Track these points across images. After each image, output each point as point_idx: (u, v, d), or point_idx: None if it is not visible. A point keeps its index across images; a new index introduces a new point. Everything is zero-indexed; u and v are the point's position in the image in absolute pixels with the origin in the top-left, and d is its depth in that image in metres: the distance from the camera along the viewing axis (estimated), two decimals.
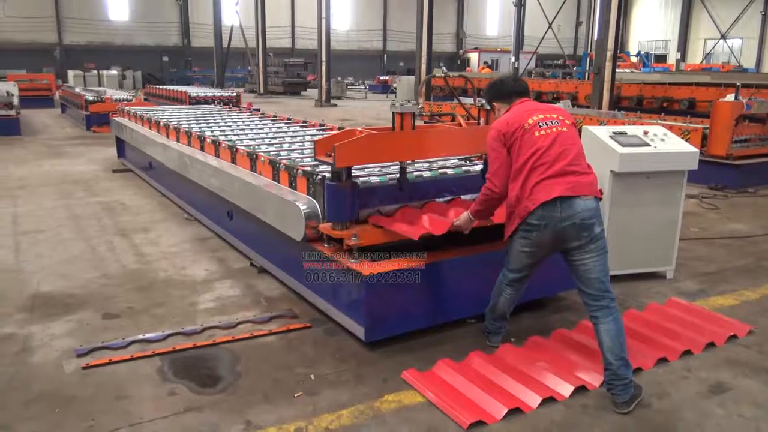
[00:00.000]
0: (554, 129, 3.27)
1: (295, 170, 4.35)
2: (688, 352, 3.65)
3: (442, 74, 4.94)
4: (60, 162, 10.51)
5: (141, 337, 3.81)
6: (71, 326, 4.00)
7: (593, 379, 3.30)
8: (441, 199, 4.21)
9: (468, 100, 5.19)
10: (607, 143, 4.62)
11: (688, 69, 30.77)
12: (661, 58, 41.38)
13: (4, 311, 4.23)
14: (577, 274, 3.26)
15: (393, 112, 3.97)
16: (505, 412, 2.99)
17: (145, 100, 16.81)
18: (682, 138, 6.84)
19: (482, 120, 4.47)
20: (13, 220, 6.65)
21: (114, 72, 31.09)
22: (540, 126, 3.28)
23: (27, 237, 6.02)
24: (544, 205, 3.15)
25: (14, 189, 8.27)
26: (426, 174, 4.27)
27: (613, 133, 4.76)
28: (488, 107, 4.45)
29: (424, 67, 19.09)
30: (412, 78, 24.65)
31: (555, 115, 3.36)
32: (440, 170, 4.38)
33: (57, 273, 5.00)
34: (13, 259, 5.37)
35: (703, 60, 39.17)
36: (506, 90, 3.59)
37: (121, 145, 10.20)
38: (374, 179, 4.02)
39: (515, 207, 3.29)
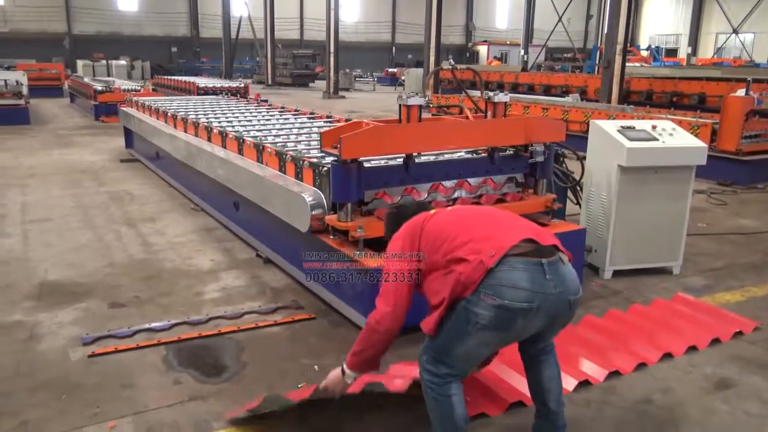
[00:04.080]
0: None
1: (301, 161, 4.35)
2: (693, 348, 3.64)
3: (450, 67, 4.92)
4: (68, 151, 10.56)
5: (147, 326, 3.83)
6: (78, 314, 4.03)
7: (597, 373, 3.29)
8: (448, 182, 4.19)
9: (476, 93, 5.17)
10: (614, 137, 4.59)
11: (699, 63, 30.54)
12: (672, 52, 41.08)
13: (12, 299, 4.27)
14: None
15: (400, 105, 3.96)
16: (507, 404, 2.99)
17: (154, 90, 16.86)
18: (692, 133, 6.79)
19: (489, 113, 4.45)
20: (22, 209, 6.69)
21: (123, 62, 31.13)
22: None
23: (35, 225, 6.07)
24: None
25: (23, 178, 8.32)
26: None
27: (621, 127, 4.73)
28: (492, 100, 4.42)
29: (432, 59, 19.03)
30: (420, 70, 24.59)
31: None
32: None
33: (64, 262, 5.03)
34: (21, 247, 5.41)
35: (714, 54, 38.79)
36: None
37: (129, 135, 10.23)
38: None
39: None
